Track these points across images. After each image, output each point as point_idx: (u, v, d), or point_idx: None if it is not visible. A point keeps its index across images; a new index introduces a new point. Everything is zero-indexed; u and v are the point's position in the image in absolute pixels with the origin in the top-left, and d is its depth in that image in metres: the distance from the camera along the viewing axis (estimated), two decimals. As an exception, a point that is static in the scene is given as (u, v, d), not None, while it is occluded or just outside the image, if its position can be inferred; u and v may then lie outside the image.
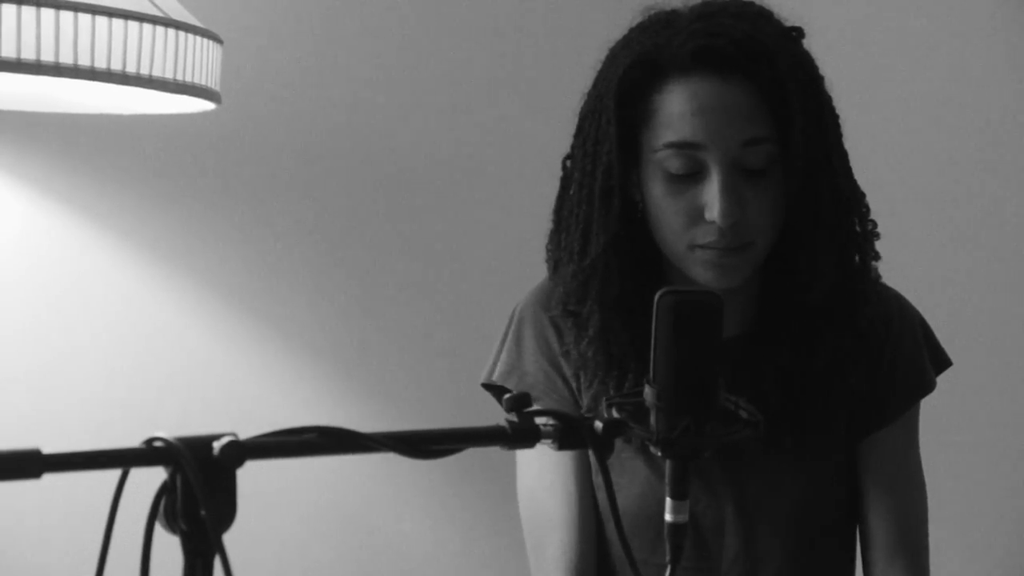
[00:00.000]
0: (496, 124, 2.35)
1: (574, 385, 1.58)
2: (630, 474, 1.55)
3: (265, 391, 2.24)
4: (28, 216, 2.11)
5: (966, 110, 2.54)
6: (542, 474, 1.60)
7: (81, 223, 2.13)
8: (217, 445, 0.89)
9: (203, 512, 0.88)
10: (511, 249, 2.30)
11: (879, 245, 1.55)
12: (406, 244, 2.31)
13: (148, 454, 0.89)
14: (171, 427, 0.91)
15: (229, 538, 0.90)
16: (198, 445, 0.89)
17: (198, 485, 0.87)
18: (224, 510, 0.89)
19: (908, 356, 1.59)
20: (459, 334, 2.32)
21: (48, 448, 0.87)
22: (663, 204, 1.46)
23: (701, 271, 1.47)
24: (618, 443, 1.51)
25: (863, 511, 1.59)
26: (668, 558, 1.15)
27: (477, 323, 2.19)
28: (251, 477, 1.02)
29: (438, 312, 2.33)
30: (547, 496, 1.59)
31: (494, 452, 1.16)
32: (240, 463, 0.90)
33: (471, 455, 2.11)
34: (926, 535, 1.60)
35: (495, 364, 1.63)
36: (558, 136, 1.58)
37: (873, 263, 1.55)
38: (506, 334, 1.64)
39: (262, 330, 2.24)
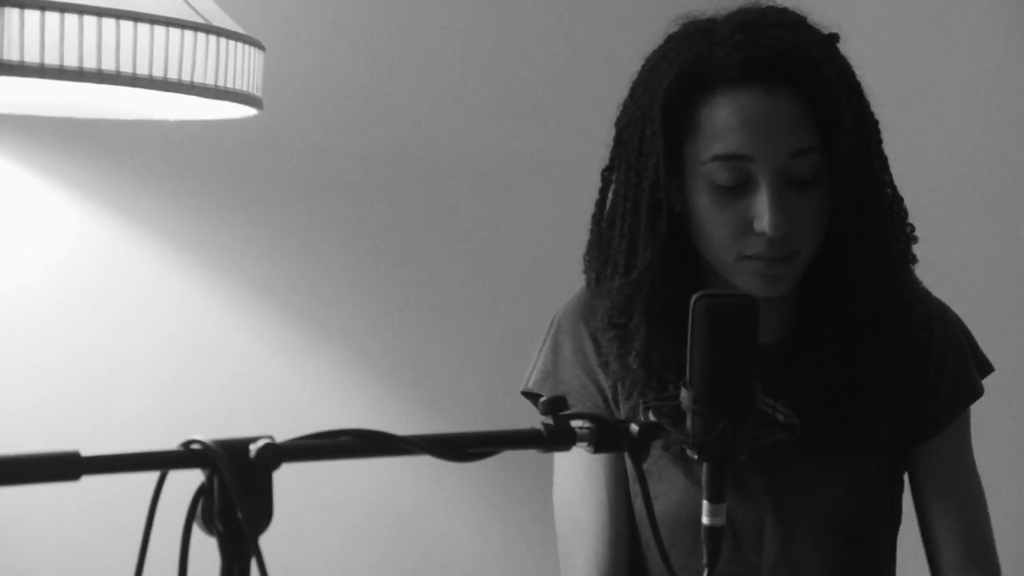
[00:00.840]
0: (540, 129, 2.35)
1: (610, 396, 1.58)
2: (668, 482, 1.55)
3: (314, 395, 2.25)
4: (78, 219, 2.12)
5: (992, 112, 2.53)
6: (575, 481, 1.59)
7: (124, 224, 2.15)
8: (253, 448, 0.90)
9: (239, 514, 0.88)
10: (554, 255, 2.30)
11: (916, 248, 1.54)
12: (450, 250, 2.32)
13: (185, 457, 0.89)
14: (221, 431, 0.92)
15: (272, 540, 0.91)
16: (234, 448, 0.89)
17: (234, 487, 0.88)
18: (260, 512, 0.89)
19: (955, 362, 1.58)
20: (507, 340, 2.32)
21: (101, 452, 0.88)
22: (710, 215, 1.45)
23: (749, 281, 1.46)
24: (656, 451, 1.52)
25: (927, 524, 1.58)
26: (705, 562, 1.15)
27: (525, 329, 2.19)
28: (297, 479, 1.03)
29: (486, 318, 2.33)
30: (580, 503, 1.59)
31: (541, 455, 1.16)
32: (276, 465, 0.90)
33: (520, 459, 2.12)
34: (992, 536, 1.58)
35: (532, 371, 1.63)
36: (600, 143, 1.57)
37: (911, 266, 1.54)
38: (544, 342, 1.64)
39: (309, 334, 2.25)
